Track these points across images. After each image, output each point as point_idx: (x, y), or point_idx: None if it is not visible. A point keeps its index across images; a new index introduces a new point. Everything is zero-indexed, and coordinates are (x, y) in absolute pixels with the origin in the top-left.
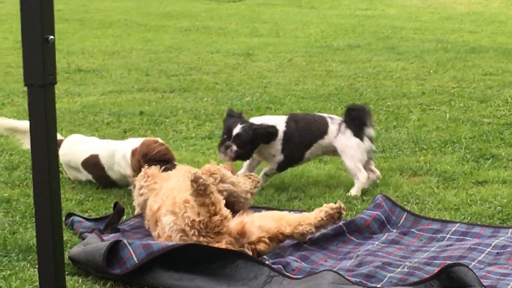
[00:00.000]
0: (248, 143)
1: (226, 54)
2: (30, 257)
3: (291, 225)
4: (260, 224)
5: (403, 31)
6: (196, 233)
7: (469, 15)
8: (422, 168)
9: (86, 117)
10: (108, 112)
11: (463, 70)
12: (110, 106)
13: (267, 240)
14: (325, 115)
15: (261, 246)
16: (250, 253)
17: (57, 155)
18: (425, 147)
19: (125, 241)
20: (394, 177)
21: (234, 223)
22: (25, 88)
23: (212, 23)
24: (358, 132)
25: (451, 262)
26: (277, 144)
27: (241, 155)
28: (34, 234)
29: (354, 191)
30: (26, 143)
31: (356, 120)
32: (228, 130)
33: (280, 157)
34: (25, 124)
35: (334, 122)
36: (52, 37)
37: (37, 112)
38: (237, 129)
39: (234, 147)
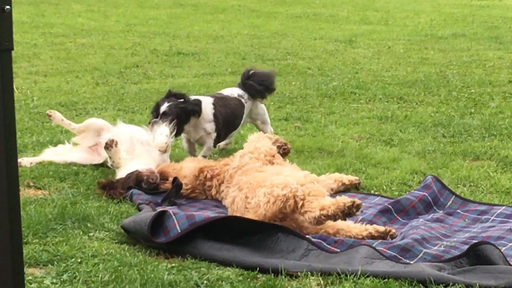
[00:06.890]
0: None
1: (328, 41)
2: (85, 225)
3: None
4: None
5: None
6: None
7: None
8: (485, 153)
9: None
10: (194, 94)
11: None
12: (198, 88)
13: None
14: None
15: None
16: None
17: (14, 124)
18: (495, 133)
19: (170, 211)
20: (455, 161)
21: None
22: (122, 69)
23: (324, 10)
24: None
25: (479, 241)
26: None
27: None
28: (94, 204)
29: None
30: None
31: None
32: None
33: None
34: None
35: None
36: (8, 6)
37: None
38: (164, 107)
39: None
